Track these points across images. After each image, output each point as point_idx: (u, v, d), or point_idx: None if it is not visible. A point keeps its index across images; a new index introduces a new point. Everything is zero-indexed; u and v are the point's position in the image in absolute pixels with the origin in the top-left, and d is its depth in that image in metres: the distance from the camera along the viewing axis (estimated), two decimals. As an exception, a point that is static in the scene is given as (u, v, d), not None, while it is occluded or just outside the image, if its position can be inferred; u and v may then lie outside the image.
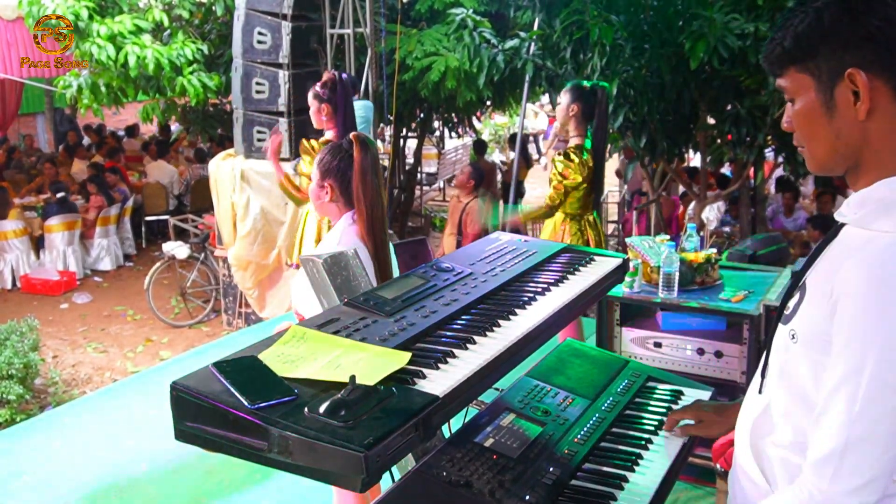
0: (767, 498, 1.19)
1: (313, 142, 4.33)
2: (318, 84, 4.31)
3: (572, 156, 3.89)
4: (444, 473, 1.51)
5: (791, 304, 1.16)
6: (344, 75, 4.55)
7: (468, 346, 1.48)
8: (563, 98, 3.98)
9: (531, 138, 14.93)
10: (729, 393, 3.08)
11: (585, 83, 3.99)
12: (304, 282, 2.23)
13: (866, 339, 1.02)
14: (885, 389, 1.01)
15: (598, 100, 3.91)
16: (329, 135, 4.31)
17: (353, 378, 1.24)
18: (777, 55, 1.14)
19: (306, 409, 1.19)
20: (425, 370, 1.35)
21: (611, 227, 9.28)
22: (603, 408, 1.91)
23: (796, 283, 1.17)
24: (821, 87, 1.10)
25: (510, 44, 5.33)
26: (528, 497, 1.49)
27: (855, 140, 1.09)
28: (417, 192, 11.30)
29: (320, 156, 2.49)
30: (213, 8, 7.62)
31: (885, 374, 1.00)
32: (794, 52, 1.11)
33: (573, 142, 3.99)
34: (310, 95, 4.33)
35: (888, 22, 1.04)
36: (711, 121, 5.27)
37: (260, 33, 6.43)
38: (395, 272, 2.51)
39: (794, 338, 1.13)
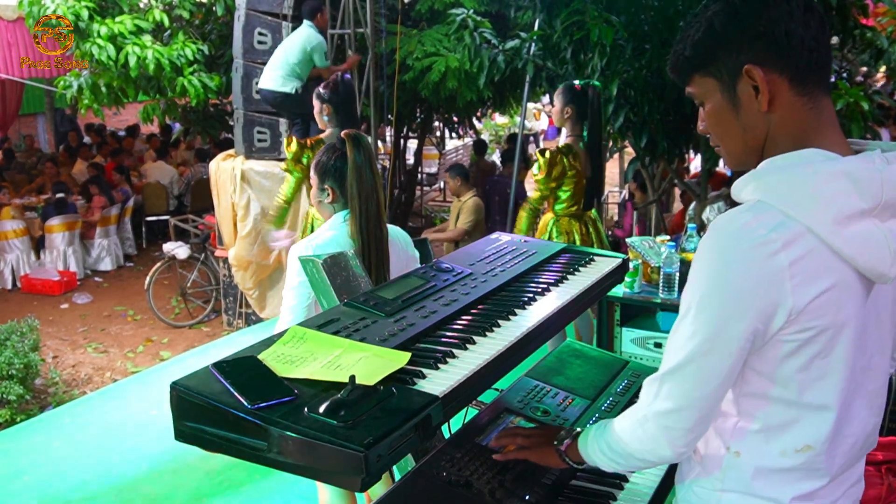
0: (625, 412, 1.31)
1: (308, 140, 4.47)
2: (322, 85, 4.42)
3: (547, 153, 3.96)
4: (444, 473, 1.51)
5: None
6: (347, 76, 4.61)
7: (468, 346, 1.48)
8: (557, 101, 4.02)
9: (531, 138, 14.92)
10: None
11: (577, 83, 4.02)
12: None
13: (693, 285, 1.14)
14: (700, 331, 1.12)
15: (590, 99, 3.93)
16: (325, 134, 4.43)
17: (352, 378, 1.24)
18: (681, 65, 1.24)
19: (306, 409, 1.19)
20: (425, 370, 1.35)
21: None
22: (602, 408, 1.91)
23: None
24: (724, 87, 1.19)
25: (511, 44, 5.32)
26: (528, 497, 1.49)
27: (761, 131, 1.18)
28: (418, 193, 11.29)
29: (317, 158, 2.47)
30: (214, 8, 7.61)
31: (703, 318, 1.12)
32: (695, 59, 1.21)
33: (567, 141, 4.03)
34: (314, 95, 4.44)
35: (772, 21, 1.13)
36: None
37: (260, 33, 6.43)
38: (417, 264, 2.50)
39: None
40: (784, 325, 1.09)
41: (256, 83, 6.42)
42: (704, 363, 1.13)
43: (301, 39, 5.91)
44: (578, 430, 1.44)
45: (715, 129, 1.24)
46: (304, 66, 5.93)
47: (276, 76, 5.92)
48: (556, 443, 1.44)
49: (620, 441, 1.26)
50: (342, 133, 2.39)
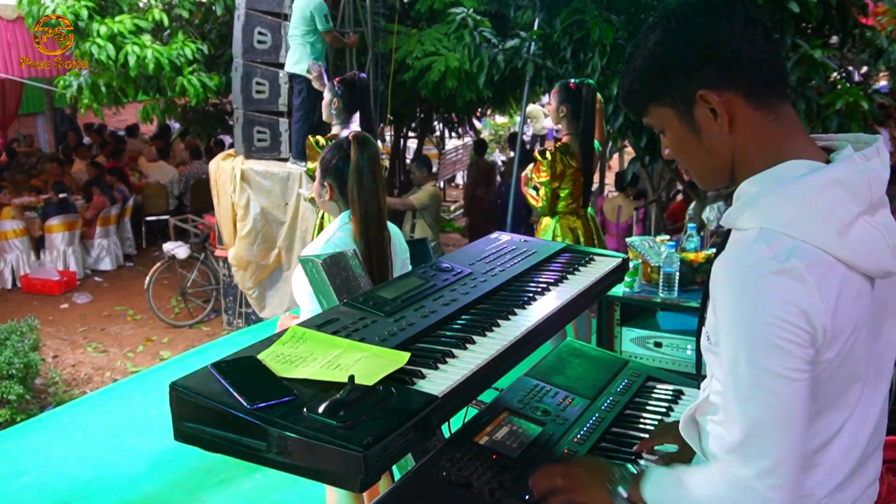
0: (699, 465, 1.20)
1: (319, 138, 4.36)
2: (338, 79, 4.34)
3: (547, 153, 3.97)
4: (444, 473, 1.50)
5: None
6: (363, 75, 4.57)
7: (467, 346, 1.48)
8: (553, 100, 4.06)
9: (538, 139, 14.93)
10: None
11: (573, 82, 4.03)
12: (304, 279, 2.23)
13: (734, 331, 1.06)
14: (762, 373, 1.04)
15: (584, 98, 3.94)
16: (335, 129, 4.33)
17: (352, 378, 1.24)
18: (632, 98, 1.20)
19: (305, 410, 1.19)
20: (424, 370, 1.35)
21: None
22: (602, 408, 1.90)
23: (707, 288, 1.21)
24: (681, 115, 1.15)
25: (510, 43, 5.32)
26: (528, 497, 1.48)
27: (726, 153, 1.15)
28: (417, 192, 11.29)
29: (322, 154, 2.50)
30: (213, 8, 7.61)
31: (758, 358, 1.04)
32: (646, 91, 1.17)
33: (564, 140, 4.04)
34: (327, 86, 4.36)
35: (717, 43, 1.10)
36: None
37: (260, 33, 6.43)
38: (408, 268, 2.51)
39: (708, 339, 1.19)
40: (821, 349, 1.05)
41: (256, 83, 6.42)
42: (781, 404, 1.04)
43: (300, 5, 5.93)
44: (634, 472, 1.28)
45: (680, 156, 1.20)
46: (314, 37, 5.97)
47: (290, 57, 6.02)
48: (609, 485, 1.27)
49: None
50: (350, 134, 2.40)
